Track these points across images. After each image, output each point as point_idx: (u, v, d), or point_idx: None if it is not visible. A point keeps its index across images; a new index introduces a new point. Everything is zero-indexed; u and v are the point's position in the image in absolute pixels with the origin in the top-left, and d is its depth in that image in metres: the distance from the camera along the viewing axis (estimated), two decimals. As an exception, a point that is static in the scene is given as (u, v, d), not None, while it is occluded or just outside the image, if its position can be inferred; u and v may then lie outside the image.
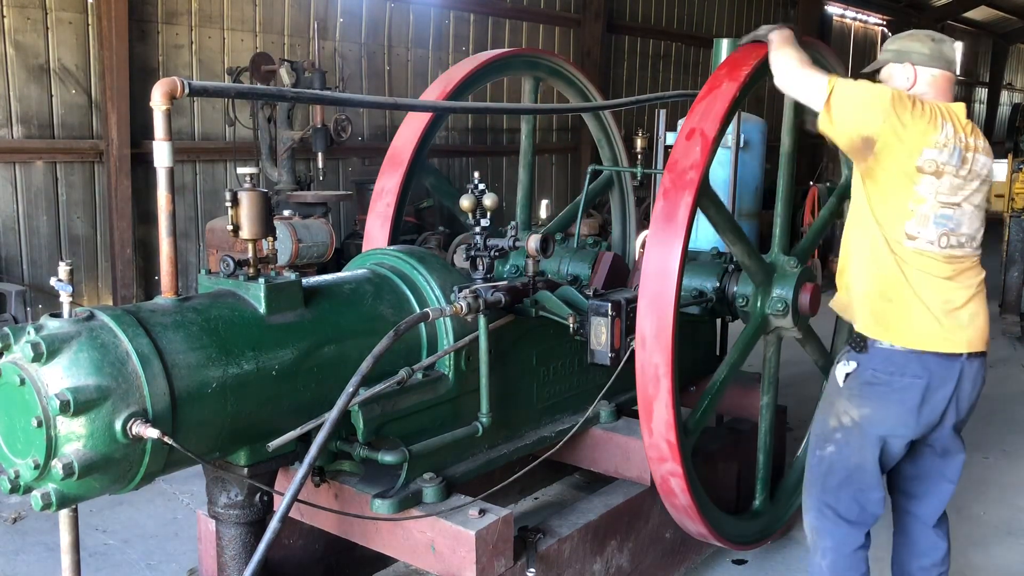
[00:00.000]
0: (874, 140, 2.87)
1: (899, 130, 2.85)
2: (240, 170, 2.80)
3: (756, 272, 3.79)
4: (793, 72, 3.10)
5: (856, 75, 3.40)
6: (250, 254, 2.82)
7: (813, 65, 3.12)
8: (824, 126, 2.97)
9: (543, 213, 7.28)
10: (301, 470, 2.46)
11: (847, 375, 3.07)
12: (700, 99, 3.38)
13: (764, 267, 3.82)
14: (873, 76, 3.21)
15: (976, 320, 3.03)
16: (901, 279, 2.96)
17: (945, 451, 3.21)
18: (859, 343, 3.06)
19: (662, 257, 3.17)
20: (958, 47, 3.06)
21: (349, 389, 2.61)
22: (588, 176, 4.98)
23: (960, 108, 3.03)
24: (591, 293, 3.50)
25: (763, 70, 3.42)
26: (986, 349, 3.07)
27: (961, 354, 2.99)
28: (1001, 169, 14.82)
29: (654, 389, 3.20)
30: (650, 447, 3.33)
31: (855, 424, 3.07)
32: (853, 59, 20.47)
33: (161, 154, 2.60)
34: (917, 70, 3.06)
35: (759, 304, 3.85)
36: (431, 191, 10.48)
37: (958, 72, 3.07)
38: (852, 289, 3.13)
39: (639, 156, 5.05)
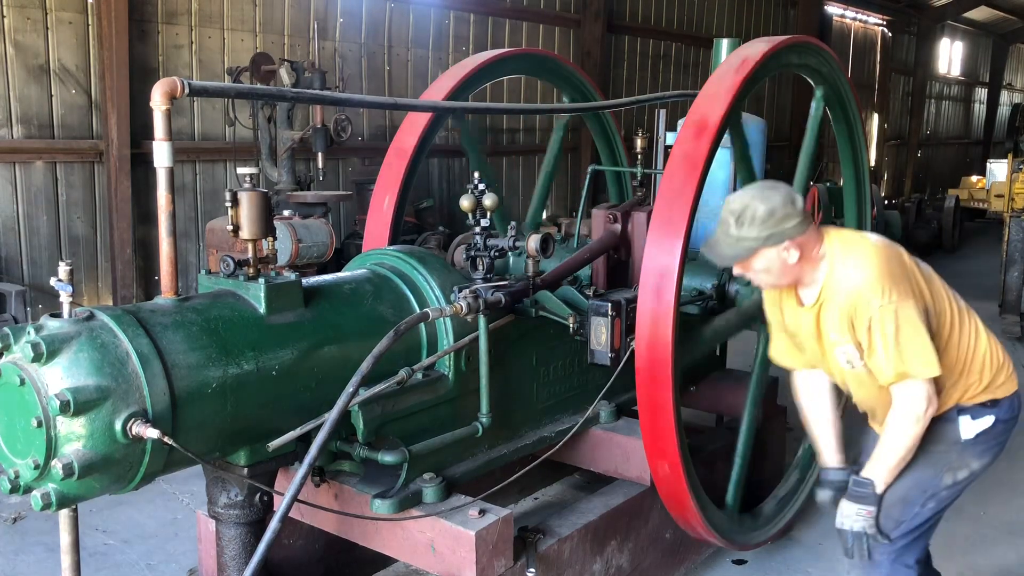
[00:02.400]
0: (929, 308, 2.85)
1: (912, 282, 2.86)
2: (240, 170, 2.80)
3: None
4: (913, 433, 2.86)
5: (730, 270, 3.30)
6: (250, 254, 2.82)
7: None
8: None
9: (543, 213, 7.30)
10: (301, 470, 2.46)
11: (979, 432, 2.94)
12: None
13: None
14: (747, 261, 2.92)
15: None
16: (975, 345, 2.97)
17: None
18: (989, 402, 2.96)
19: (662, 256, 3.17)
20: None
21: (349, 389, 2.61)
22: (588, 176, 4.98)
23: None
24: (591, 293, 3.50)
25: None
26: None
27: None
28: (1001, 169, 14.83)
29: (654, 388, 3.20)
30: (650, 446, 3.33)
31: (972, 474, 2.98)
32: (853, 59, 20.48)
33: (161, 154, 2.60)
34: (799, 242, 2.85)
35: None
36: (431, 187, 10.52)
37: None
38: (955, 387, 2.94)
39: (639, 156, 5.05)
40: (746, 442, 3.91)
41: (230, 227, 2.77)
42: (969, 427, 2.94)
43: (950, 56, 25.71)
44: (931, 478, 2.96)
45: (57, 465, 2.28)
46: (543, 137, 12.59)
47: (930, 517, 3.02)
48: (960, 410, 2.95)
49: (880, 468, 2.90)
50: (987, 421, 2.93)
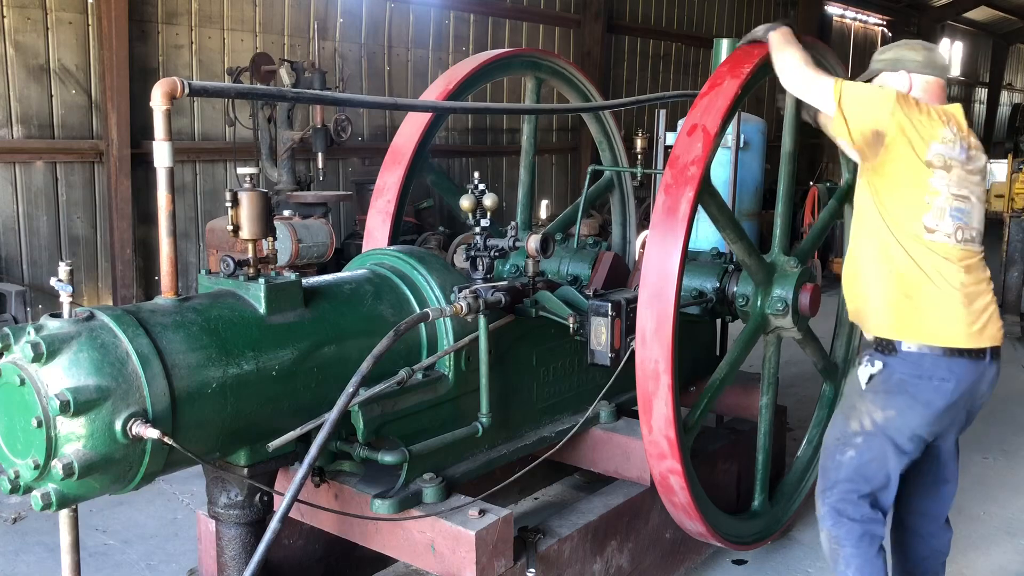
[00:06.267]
0: (884, 134, 2.94)
1: (906, 125, 2.94)
2: (240, 170, 2.80)
3: (756, 271, 3.78)
4: (800, 74, 3.16)
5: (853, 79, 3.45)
6: (250, 254, 2.82)
7: (816, 66, 3.18)
8: (837, 125, 3.03)
9: (543, 213, 7.30)
10: (301, 470, 2.46)
11: (871, 376, 3.05)
12: (702, 96, 3.39)
13: (764, 266, 3.81)
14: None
15: (994, 315, 3.05)
16: (920, 275, 2.97)
17: (950, 454, 3.27)
18: (885, 346, 3.04)
19: (662, 255, 3.17)
20: (947, 55, 3.26)
21: (349, 389, 2.61)
22: (588, 176, 4.98)
23: (957, 109, 3.11)
24: (591, 293, 3.50)
25: (765, 69, 3.43)
26: (1001, 345, 3.09)
27: (986, 351, 3.01)
28: (1001, 169, 14.80)
29: (654, 388, 3.20)
30: (650, 445, 3.33)
31: (877, 427, 3.04)
32: (853, 59, 20.46)
33: (161, 154, 2.60)
34: (912, 77, 3.14)
35: (759, 303, 3.84)
36: (432, 189, 10.52)
37: (948, 77, 3.17)
38: (867, 295, 3.13)
39: (639, 156, 5.05)
40: (766, 445, 3.92)
41: (230, 227, 2.77)
42: (863, 372, 3.08)
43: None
44: (842, 425, 3.16)
45: (57, 465, 2.28)
46: (543, 137, 12.59)
47: (856, 467, 3.08)
48: (862, 355, 3.12)
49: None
50: (875, 368, 3.04)
